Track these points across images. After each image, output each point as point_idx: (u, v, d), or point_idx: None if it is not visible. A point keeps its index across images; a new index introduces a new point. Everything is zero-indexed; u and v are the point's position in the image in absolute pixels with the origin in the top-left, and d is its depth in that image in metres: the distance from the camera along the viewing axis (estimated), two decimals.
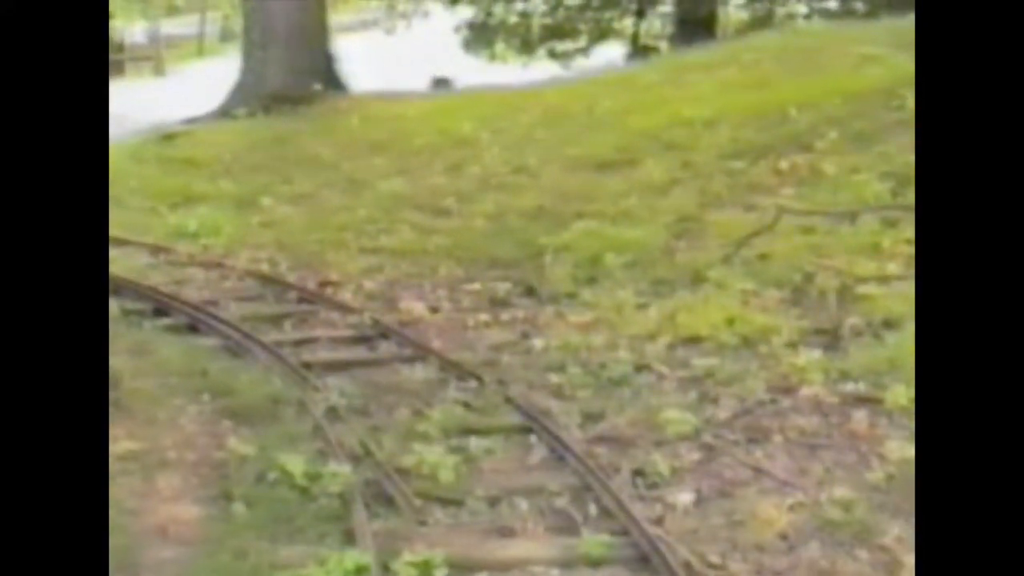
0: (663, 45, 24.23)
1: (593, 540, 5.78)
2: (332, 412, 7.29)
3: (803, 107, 12.82)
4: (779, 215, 10.01)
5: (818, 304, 8.71)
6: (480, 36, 25.63)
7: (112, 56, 24.33)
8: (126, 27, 32.12)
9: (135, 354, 8.21)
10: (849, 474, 6.45)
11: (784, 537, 5.87)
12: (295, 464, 6.34)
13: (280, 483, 6.29)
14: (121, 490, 6.13)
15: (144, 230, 11.79)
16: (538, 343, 8.65)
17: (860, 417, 7.02)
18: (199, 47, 34.92)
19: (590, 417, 7.30)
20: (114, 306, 8.70)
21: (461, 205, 12.28)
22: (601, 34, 25.34)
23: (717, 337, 8.28)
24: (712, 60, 16.35)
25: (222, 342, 8.67)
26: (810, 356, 7.82)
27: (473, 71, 22.18)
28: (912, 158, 8.35)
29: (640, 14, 24.92)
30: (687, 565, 5.57)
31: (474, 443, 6.90)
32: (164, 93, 24.14)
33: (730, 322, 8.43)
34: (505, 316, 9.32)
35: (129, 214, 12.00)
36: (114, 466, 6.14)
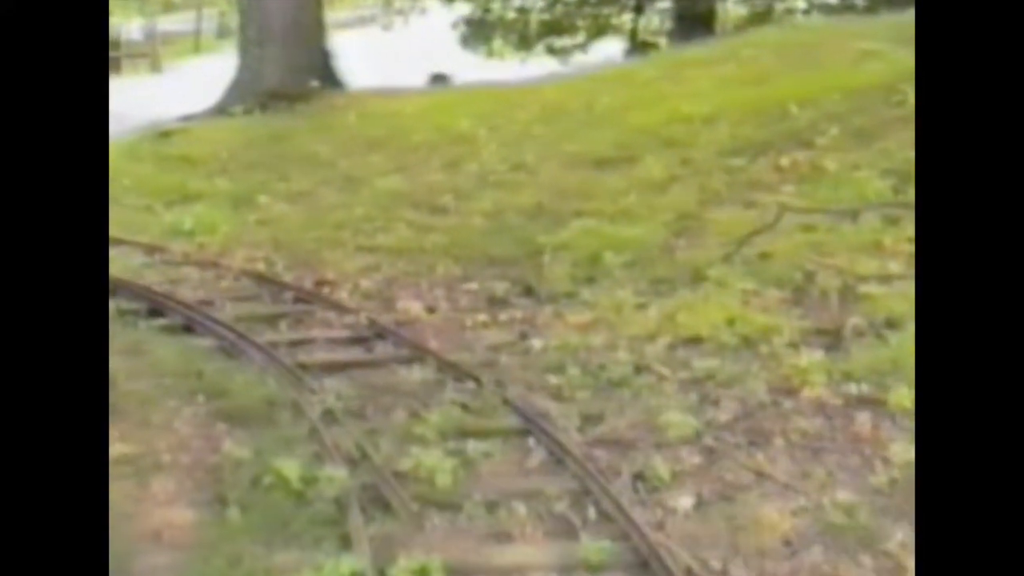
0: (662, 41, 24.19)
1: (592, 545, 5.70)
2: (328, 414, 7.22)
3: (803, 103, 12.75)
4: (780, 213, 9.92)
5: (820, 304, 8.63)
6: (478, 32, 25.57)
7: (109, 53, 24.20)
8: (123, 24, 31.98)
9: (130, 355, 8.14)
10: (852, 477, 6.37)
11: (787, 542, 5.81)
12: (291, 468, 6.27)
13: (275, 487, 6.22)
14: (115, 494, 5.95)
15: (139, 229, 11.72)
16: (537, 343, 8.57)
17: (863, 419, 6.95)
18: (196, 44, 34.87)
19: (589, 419, 7.22)
20: (109, 306, 8.62)
21: (459, 203, 12.19)
22: (599, 30, 25.27)
23: (718, 337, 8.20)
24: (711, 56, 16.28)
25: (217, 343, 8.59)
26: (812, 357, 7.73)
27: (471, 67, 22.09)
28: (913, 154, 8.27)
29: (639, 10, 24.86)
30: (688, 571, 5.51)
31: (472, 446, 6.81)
32: (160, 90, 24.08)
33: (731, 322, 8.34)
34: (503, 316, 9.24)
35: (124, 212, 11.92)
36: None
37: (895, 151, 10.93)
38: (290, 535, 5.85)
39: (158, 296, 9.51)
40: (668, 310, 8.76)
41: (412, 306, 9.48)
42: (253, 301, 9.76)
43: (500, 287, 9.82)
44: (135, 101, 19.59)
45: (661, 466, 6.51)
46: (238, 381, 7.72)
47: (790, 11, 24.23)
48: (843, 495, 6.13)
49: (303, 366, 8.05)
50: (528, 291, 9.75)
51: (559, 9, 25.47)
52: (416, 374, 8.05)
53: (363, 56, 20.55)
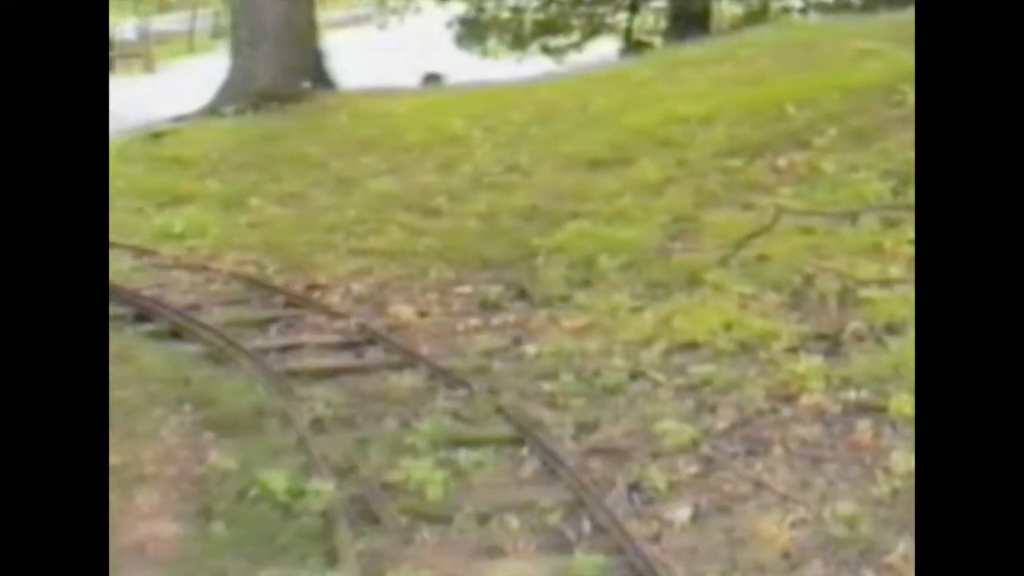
0: (657, 40, 24.12)
1: (587, 560, 5.54)
2: (317, 423, 7.08)
3: (800, 103, 12.61)
4: (778, 215, 9.78)
5: (818, 308, 8.49)
6: (472, 32, 25.54)
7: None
8: (117, 23, 31.84)
9: (116, 361, 7.94)
10: (853, 488, 6.22)
11: (786, 555, 5.66)
12: (277, 480, 6.13)
13: (262, 500, 6.09)
14: None
15: (130, 231, 11.60)
16: (530, 349, 8.42)
17: (863, 427, 6.79)
18: (190, 44, 34.76)
19: (584, 428, 7.07)
20: None
21: (452, 205, 12.06)
22: (594, 29, 25.23)
23: (714, 343, 8.05)
24: (707, 56, 16.16)
25: (205, 349, 8.45)
26: (811, 362, 7.58)
27: (465, 67, 21.99)
28: (913, 155, 8.15)
29: (634, 9, 24.82)
30: None
31: (463, 456, 6.66)
32: (154, 90, 23.98)
33: (728, 327, 8.19)
34: (496, 320, 9.10)
35: (115, 214, 11.64)
36: None
37: (894, 152, 10.80)
38: (276, 550, 5.70)
39: (146, 301, 9.38)
40: (664, 314, 8.61)
41: (404, 310, 9.34)
42: (243, 305, 9.64)
43: (493, 291, 9.67)
44: (128, 101, 19.37)
45: (657, 476, 6.36)
46: (226, 389, 7.58)
47: (786, 10, 24.20)
48: (843, 506, 5.98)
49: (293, 372, 7.93)
50: (522, 295, 9.61)
51: (554, 8, 25.43)
52: (407, 380, 7.89)
53: (357, 55, 20.42)
